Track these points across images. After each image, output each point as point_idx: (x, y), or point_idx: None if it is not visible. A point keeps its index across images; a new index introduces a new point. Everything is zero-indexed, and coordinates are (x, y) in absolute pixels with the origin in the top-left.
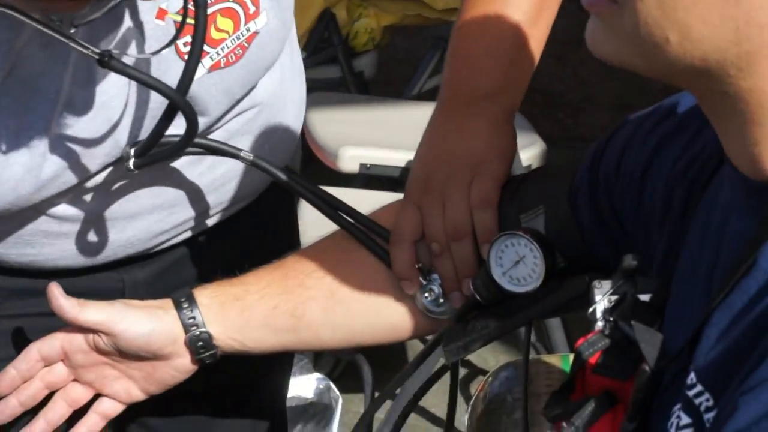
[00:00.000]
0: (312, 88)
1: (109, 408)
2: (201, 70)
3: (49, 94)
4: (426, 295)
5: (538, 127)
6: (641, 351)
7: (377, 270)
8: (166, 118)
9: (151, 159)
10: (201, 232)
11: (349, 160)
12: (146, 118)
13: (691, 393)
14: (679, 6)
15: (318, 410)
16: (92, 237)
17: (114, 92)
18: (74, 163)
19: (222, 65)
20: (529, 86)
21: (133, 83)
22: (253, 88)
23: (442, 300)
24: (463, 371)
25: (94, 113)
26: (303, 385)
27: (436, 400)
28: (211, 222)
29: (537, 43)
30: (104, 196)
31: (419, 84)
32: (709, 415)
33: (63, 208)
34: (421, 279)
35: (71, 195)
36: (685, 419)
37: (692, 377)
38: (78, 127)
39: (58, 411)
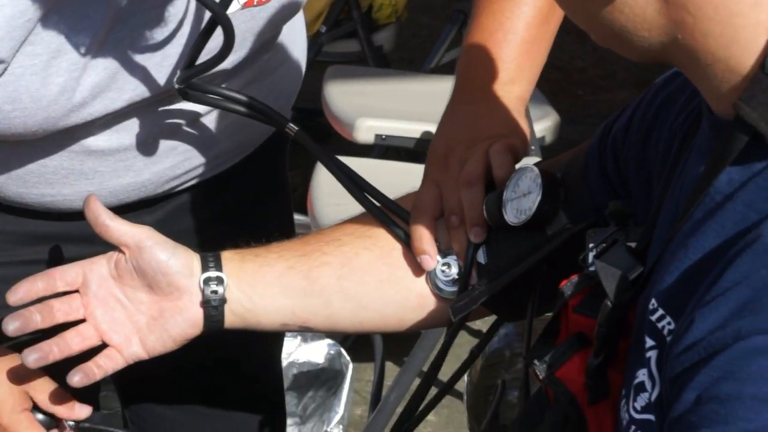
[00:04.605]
0: (331, 62)
1: (107, 363)
2: (235, 5)
3: (98, 14)
4: (443, 269)
5: (558, 103)
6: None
7: (394, 248)
8: (205, 33)
9: (197, 69)
10: (204, 180)
11: (365, 131)
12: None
13: (653, 317)
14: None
15: (329, 376)
16: (111, 178)
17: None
18: (105, 91)
19: (255, 3)
20: (549, 63)
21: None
22: (277, 33)
23: (456, 277)
24: (464, 334)
25: (142, 33)
26: (314, 351)
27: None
28: (216, 170)
29: (547, 40)
30: (126, 135)
31: (437, 57)
32: (671, 337)
33: (86, 144)
34: (438, 257)
35: (95, 130)
36: (650, 342)
37: (653, 302)
38: (120, 48)
39: (69, 341)
